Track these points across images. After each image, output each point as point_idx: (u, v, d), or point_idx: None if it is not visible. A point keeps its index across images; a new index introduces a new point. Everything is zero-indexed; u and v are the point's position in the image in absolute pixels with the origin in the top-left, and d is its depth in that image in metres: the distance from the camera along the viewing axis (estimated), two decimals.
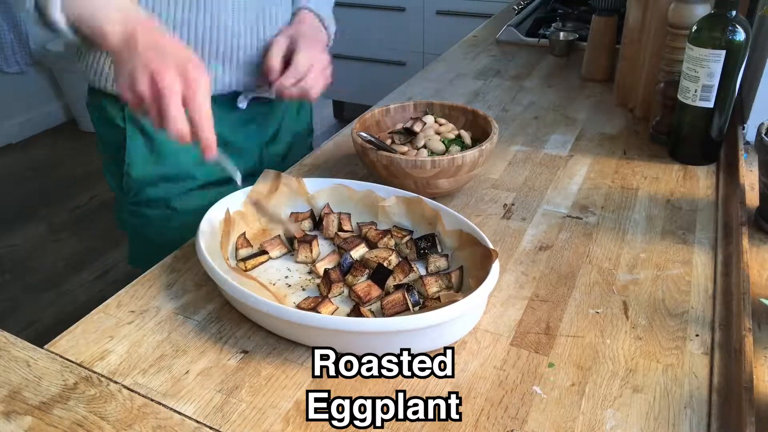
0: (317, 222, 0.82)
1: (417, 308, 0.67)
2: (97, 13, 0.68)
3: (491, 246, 0.68)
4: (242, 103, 0.96)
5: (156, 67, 0.65)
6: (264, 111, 1.01)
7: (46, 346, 0.65)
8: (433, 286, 0.69)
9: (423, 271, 0.73)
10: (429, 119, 0.93)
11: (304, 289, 0.71)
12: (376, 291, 0.69)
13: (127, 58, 0.67)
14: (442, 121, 0.94)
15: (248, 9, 0.87)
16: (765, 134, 0.76)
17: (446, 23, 2.78)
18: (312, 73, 0.84)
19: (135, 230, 1.01)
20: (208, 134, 0.67)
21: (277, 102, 1.02)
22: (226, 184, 0.89)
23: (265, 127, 1.03)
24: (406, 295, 0.66)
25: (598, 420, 0.56)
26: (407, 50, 2.93)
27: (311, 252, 0.76)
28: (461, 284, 0.71)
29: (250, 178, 0.82)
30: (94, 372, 0.61)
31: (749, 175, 0.90)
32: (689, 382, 0.59)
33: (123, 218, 1.01)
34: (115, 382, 0.60)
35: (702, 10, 0.95)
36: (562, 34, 1.52)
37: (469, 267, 0.71)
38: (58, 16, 0.68)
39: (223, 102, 0.93)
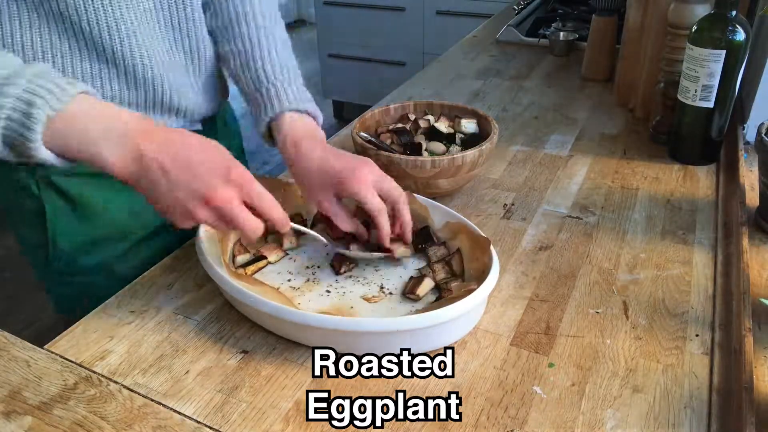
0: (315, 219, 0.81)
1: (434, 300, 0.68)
2: (88, 146, 0.57)
3: (481, 233, 0.69)
4: None
5: (205, 192, 0.58)
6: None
7: (46, 346, 0.65)
8: (440, 273, 0.70)
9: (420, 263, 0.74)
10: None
11: (310, 291, 0.71)
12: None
13: (157, 188, 0.58)
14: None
15: (168, 51, 0.77)
16: (765, 134, 0.76)
17: (446, 23, 2.78)
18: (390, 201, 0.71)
19: (70, 299, 0.85)
20: (279, 215, 0.63)
21: (205, 125, 0.90)
22: (170, 232, 0.80)
23: None
24: (431, 273, 0.70)
25: (598, 420, 0.56)
26: (407, 50, 2.93)
27: (295, 237, 0.78)
28: (463, 271, 0.71)
29: None
30: (94, 372, 0.61)
31: (749, 175, 0.90)
32: (689, 382, 0.59)
33: (56, 293, 0.88)
34: (115, 382, 0.60)
35: (702, 10, 0.95)
36: (562, 34, 1.52)
37: (465, 254, 0.72)
38: (45, 154, 0.56)
39: None
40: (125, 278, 0.75)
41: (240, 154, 1.06)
